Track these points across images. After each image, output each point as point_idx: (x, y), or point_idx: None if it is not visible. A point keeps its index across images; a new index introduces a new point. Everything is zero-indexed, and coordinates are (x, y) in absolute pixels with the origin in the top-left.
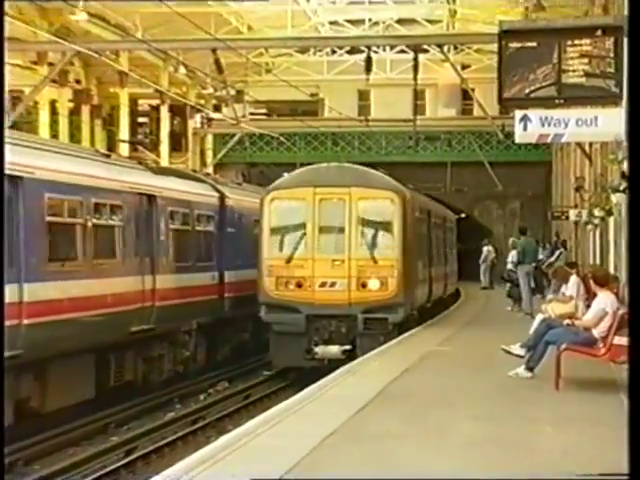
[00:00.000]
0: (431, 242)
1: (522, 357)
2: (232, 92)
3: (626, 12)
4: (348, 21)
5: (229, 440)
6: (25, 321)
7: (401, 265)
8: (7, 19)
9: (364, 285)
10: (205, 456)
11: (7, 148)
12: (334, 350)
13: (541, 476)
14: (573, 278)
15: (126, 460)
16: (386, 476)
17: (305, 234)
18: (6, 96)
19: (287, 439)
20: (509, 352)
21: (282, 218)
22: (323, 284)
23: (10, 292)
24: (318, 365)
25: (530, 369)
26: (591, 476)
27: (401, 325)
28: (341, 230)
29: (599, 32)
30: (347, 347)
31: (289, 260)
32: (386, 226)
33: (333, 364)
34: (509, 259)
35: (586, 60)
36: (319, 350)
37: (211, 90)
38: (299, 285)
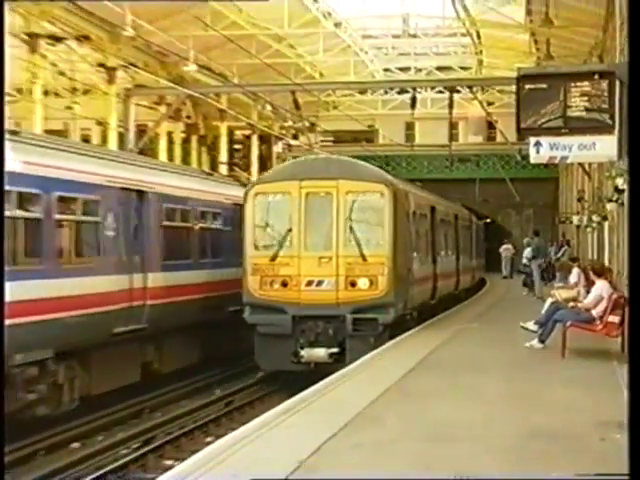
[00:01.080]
0: (435, 239)
1: (536, 332)
2: (307, 124)
3: (617, 61)
4: (398, 68)
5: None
6: (148, 302)
7: (392, 262)
8: (136, 70)
9: (353, 284)
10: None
11: (137, 170)
12: (321, 353)
13: (541, 476)
14: (575, 270)
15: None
16: (386, 476)
17: (290, 230)
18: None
19: (351, 395)
20: (526, 328)
21: (266, 213)
22: (310, 283)
23: (137, 280)
24: (306, 369)
25: (542, 342)
26: (591, 476)
27: (393, 326)
28: (328, 226)
29: (596, 76)
30: (335, 350)
31: (274, 258)
32: (376, 221)
33: (324, 368)
34: (524, 255)
35: (586, 98)
36: (305, 353)
37: (290, 123)
38: (284, 284)
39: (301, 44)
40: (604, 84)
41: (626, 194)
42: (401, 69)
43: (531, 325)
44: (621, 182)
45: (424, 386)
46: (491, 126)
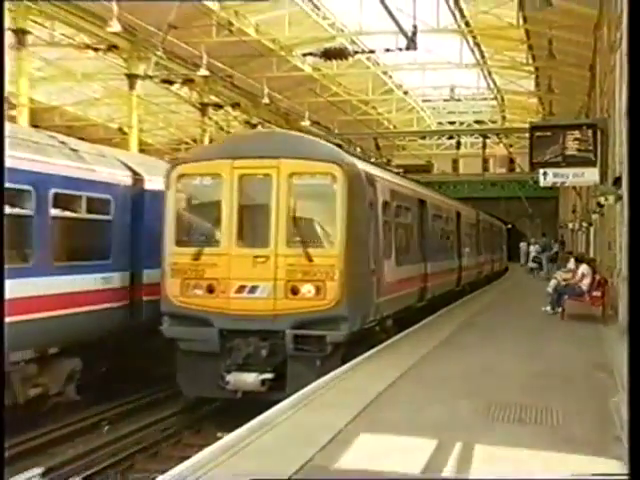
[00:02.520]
0: (424, 235)
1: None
2: (384, 160)
3: (598, 116)
4: (447, 122)
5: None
6: None
7: (345, 264)
8: (270, 125)
9: (295, 291)
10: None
11: None
12: (250, 379)
13: (541, 476)
14: (572, 259)
15: None
16: (387, 476)
17: (219, 221)
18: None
19: (410, 346)
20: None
21: (191, 200)
22: (241, 289)
23: None
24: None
25: (552, 308)
26: (591, 476)
27: (349, 344)
28: (266, 216)
29: (584, 127)
30: (268, 375)
31: (198, 256)
32: (326, 211)
33: (262, 396)
34: (534, 249)
35: (577, 142)
36: (231, 378)
37: (373, 160)
38: (211, 290)
39: (381, 106)
40: (589, 132)
41: (626, 198)
42: (449, 122)
43: (548, 309)
44: (602, 199)
45: (462, 341)
46: (512, 161)
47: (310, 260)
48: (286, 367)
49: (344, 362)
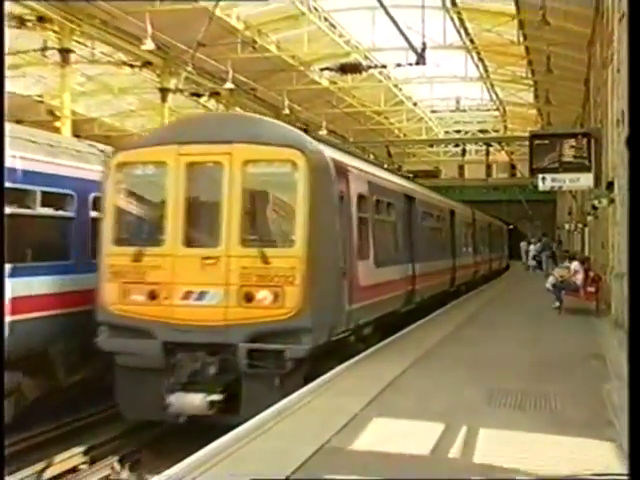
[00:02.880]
0: (412, 234)
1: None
2: (396, 166)
3: (592, 126)
4: (454, 131)
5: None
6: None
7: (307, 267)
8: None
9: (249, 298)
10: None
11: None
12: (196, 401)
13: (541, 476)
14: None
15: None
16: (387, 476)
17: (163, 217)
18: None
19: (425, 335)
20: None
21: (131, 192)
22: (188, 295)
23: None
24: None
25: (558, 301)
26: (591, 476)
27: (315, 359)
28: (217, 211)
29: (579, 136)
30: (217, 397)
31: (139, 257)
32: (286, 204)
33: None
34: (533, 248)
35: (573, 150)
36: (174, 400)
37: (385, 166)
38: (153, 296)
39: (392, 116)
40: (584, 141)
41: (620, 200)
42: (455, 131)
43: (556, 303)
44: (596, 202)
45: (468, 334)
46: (513, 167)
47: (267, 262)
48: (239, 387)
49: (308, 380)
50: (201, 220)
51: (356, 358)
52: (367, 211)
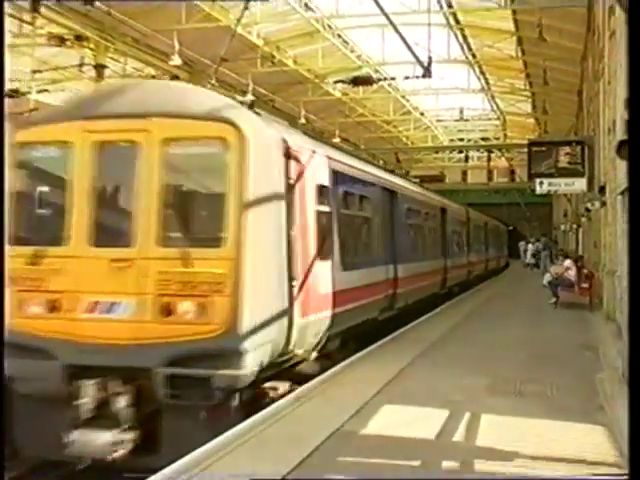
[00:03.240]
0: (394, 232)
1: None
2: (404, 171)
3: (585, 134)
4: (458, 139)
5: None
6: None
7: (242, 271)
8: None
9: (169, 311)
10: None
11: None
12: (100, 440)
13: (541, 476)
14: (561, 257)
15: None
16: (388, 476)
17: (65, 210)
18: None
19: (433, 328)
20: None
21: (29, 179)
22: (94, 306)
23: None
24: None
25: (555, 296)
26: (591, 476)
27: (253, 387)
28: (131, 202)
29: (574, 144)
30: (127, 435)
31: (36, 259)
32: (215, 193)
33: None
34: (532, 248)
35: (568, 156)
36: (76, 437)
37: (395, 171)
38: (53, 307)
39: (401, 125)
40: (578, 148)
41: (617, 203)
42: (459, 139)
43: (552, 299)
44: (589, 205)
45: (469, 327)
46: (512, 172)
47: (191, 265)
48: (157, 422)
49: (256, 410)
50: (111, 213)
51: (359, 353)
52: (331, 205)
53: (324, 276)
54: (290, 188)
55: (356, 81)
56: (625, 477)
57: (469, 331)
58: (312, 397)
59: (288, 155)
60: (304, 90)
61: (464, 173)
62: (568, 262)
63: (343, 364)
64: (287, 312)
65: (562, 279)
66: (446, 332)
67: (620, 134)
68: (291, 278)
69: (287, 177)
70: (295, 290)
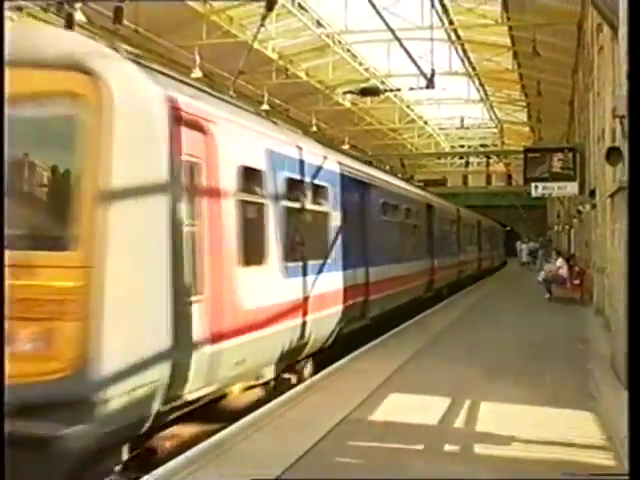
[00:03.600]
0: (366, 230)
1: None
2: (408, 176)
3: (576, 141)
4: (459, 145)
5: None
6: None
7: (103, 286)
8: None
9: None
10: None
11: None
12: None
13: (542, 476)
14: (554, 254)
15: None
16: (388, 476)
17: None
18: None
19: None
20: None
21: None
22: None
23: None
24: None
25: (549, 292)
26: (591, 476)
27: (115, 451)
28: None
29: (566, 150)
30: None
31: None
32: (63, 174)
33: None
34: (529, 246)
35: (561, 162)
36: None
37: (399, 175)
38: None
39: (405, 133)
40: (570, 154)
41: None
42: (460, 146)
43: (547, 295)
44: (580, 207)
45: (471, 319)
46: (509, 177)
47: (28, 276)
48: None
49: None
50: None
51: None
52: (267, 195)
53: (253, 286)
54: (186, 169)
55: (364, 92)
56: (625, 477)
57: (471, 322)
58: (322, 387)
59: (184, 123)
60: (316, 100)
61: (465, 177)
62: (560, 261)
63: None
64: (182, 339)
65: (555, 276)
66: (455, 319)
67: (609, 142)
68: (189, 292)
69: (180, 153)
70: (199, 308)
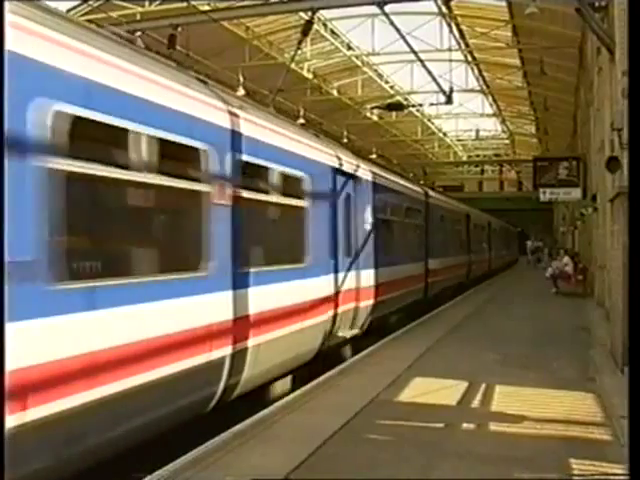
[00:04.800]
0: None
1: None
2: (430, 182)
3: (579, 151)
4: (474, 155)
5: None
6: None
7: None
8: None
9: None
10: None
11: None
12: None
13: (541, 476)
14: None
15: None
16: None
17: None
18: None
19: (452, 312)
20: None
21: None
22: None
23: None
24: None
25: (556, 287)
26: (591, 476)
27: None
28: None
29: (571, 159)
30: None
31: None
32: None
33: None
34: (535, 245)
35: (567, 170)
36: None
37: (421, 182)
38: None
39: (427, 143)
40: (574, 163)
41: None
42: (476, 155)
43: (553, 289)
44: (584, 210)
45: (487, 311)
46: (520, 183)
47: None
48: None
49: None
50: None
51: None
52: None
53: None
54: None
55: (390, 107)
56: (625, 477)
57: (487, 313)
58: (352, 371)
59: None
60: (346, 115)
61: (480, 183)
62: (566, 258)
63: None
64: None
65: (561, 272)
66: (472, 312)
67: (608, 152)
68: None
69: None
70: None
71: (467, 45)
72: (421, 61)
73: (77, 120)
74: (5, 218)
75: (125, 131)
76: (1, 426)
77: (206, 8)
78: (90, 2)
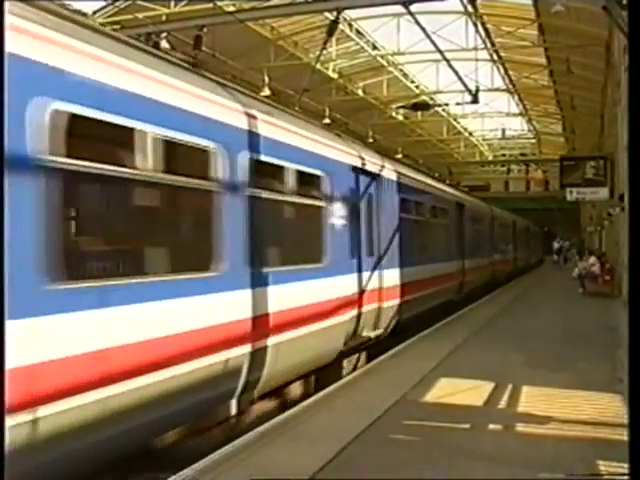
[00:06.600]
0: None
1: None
2: (455, 183)
3: (607, 151)
4: (500, 154)
5: None
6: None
7: None
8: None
9: None
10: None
11: None
12: None
13: (541, 476)
14: (586, 253)
15: None
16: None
17: None
18: None
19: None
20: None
21: None
22: None
23: None
24: None
25: (583, 287)
26: (592, 476)
27: None
28: None
29: (598, 159)
30: None
31: None
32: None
33: None
34: (559, 245)
35: (593, 169)
36: None
37: (447, 182)
38: None
39: (452, 143)
40: (601, 162)
41: (626, 201)
42: (502, 155)
43: (580, 289)
44: (611, 210)
45: (515, 309)
46: (546, 182)
47: None
48: None
49: None
50: None
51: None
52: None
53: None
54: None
55: (415, 107)
56: (625, 477)
57: (516, 312)
58: (377, 371)
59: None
60: (372, 115)
61: (506, 183)
62: (593, 259)
63: None
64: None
65: (588, 272)
66: (499, 310)
67: None
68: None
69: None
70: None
71: (493, 44)
72: (447, 60)
73: (77, 120)
74: (5, 218)
75: (139, 132)
76: (1, 426)
77: (231, 9)
78: (118, 3)
